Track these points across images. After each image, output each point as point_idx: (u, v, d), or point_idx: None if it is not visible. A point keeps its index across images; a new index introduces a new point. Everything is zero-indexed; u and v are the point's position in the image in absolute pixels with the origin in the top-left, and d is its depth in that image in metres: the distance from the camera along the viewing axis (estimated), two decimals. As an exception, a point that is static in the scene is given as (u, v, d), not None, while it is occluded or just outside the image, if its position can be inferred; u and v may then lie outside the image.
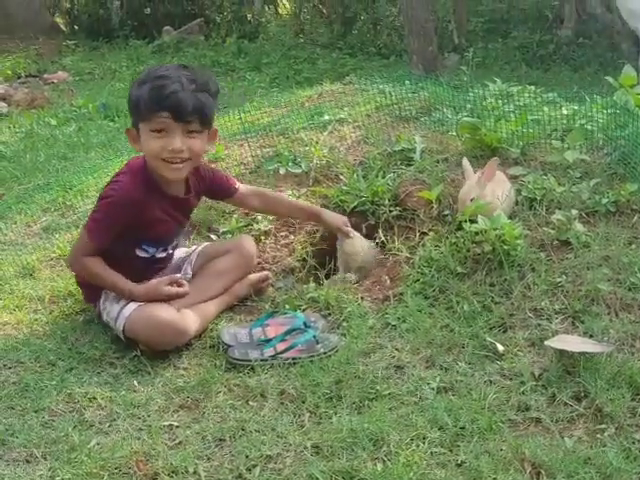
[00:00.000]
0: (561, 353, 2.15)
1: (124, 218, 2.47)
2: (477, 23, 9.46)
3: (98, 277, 2.53)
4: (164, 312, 2.46)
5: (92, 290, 2.62)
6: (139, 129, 2.48)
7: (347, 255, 2.88)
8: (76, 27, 11.28)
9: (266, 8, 11.50)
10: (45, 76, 8.35)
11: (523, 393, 2.08)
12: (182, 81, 2.42)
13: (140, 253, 2.59)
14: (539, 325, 2.35)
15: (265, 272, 2.86)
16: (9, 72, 8.43)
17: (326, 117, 3.79)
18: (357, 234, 2.91)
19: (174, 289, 2.53)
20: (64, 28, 11.39)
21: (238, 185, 2.85)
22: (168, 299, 2.52)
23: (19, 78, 8.28)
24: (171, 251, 2.73)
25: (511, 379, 2.15)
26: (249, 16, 10.81)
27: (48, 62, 9.14)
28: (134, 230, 2.52)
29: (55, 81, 8.06)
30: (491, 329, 2.37)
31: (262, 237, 3.08)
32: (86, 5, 11.18)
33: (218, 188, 2.80)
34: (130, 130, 2.55)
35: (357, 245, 2.88)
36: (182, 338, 2.45)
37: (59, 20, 11.63)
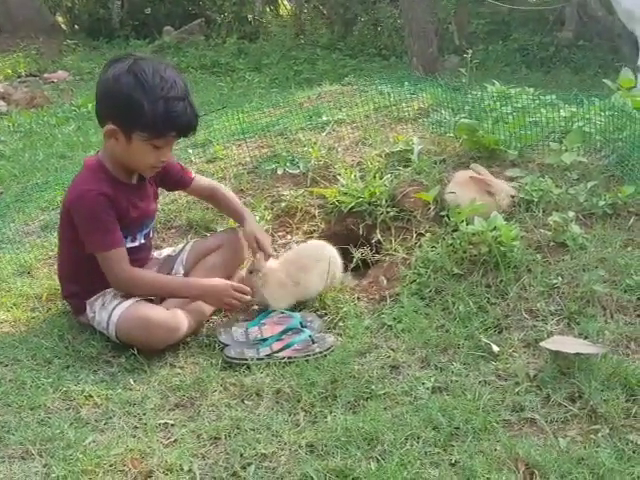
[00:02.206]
0: (556, 354, 2.16)
1: (111, 210, 2.45)
2: (478, 25, 9.46)
3: (155, 283, 2.55)
4: (152, 311, 2.46)
5: (77, 302, 2.62)
6: (129, 134, 2.41)
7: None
8: (77, 27, 11.27)
9: (267, 9, 11.49)
10: (45, 75, 8.38)
11: (518, 394, 2.08)
12: (189, 99, 2.43)
13: None
14: (534, 326, 2.35)
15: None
16: (9, 71, 8.45)
17: (324, 118, 3.80)
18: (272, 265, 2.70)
19: (238, 296, 2.53)
20: (65, 27, 11.37)
21: (194, 175, 2.84)
22: (230, 307, 2.56)
23: (19, 77, 8.31)
24: (143, 240, 2.67)
25: (506, 380, 2.16)
26: (250, 17, 10.80)
27: (48, 61, 9.14)
28: None
29: (55, 80, 8.08)
30: (486, 330, 2.38)
31: (259, 237, 3.07)
32: (87, 5, 11.15)
33: (172, 179, 2.77)
34: (114, 130, 2.42)
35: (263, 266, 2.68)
36: (173, 336, 2.45)
37: (60, 19, 11.62)
